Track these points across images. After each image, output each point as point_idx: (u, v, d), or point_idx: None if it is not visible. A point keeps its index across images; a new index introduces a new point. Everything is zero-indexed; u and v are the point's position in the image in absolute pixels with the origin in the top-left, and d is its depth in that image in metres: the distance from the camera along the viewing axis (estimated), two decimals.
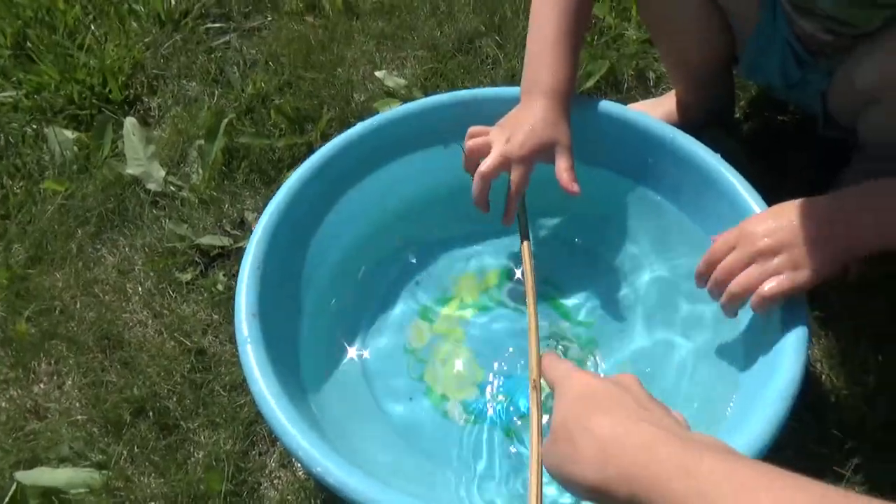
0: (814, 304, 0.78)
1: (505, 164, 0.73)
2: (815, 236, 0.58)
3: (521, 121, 0.75)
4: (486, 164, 0.74)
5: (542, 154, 0.74)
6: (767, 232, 0.60)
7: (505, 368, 0.77)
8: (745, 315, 0.68)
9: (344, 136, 0.83)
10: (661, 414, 0.39)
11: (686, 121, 0.95)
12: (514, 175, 0.73)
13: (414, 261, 0.86)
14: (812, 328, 0.78)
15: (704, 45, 0.86)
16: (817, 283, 0.59)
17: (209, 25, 1.28)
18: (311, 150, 1.04)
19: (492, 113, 0.80)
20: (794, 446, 0.68)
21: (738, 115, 1.01)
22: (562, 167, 0.73)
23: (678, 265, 0.80)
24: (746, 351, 0.68)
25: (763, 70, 0.84)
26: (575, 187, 0.72)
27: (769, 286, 0.59)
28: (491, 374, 0.77)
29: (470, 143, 0.77)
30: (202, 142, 1.06)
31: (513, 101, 0.80)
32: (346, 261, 0.83)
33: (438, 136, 0.86)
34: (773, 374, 0.58)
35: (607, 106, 0.83)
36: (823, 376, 0.75)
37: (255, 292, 0.69)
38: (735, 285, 0.61)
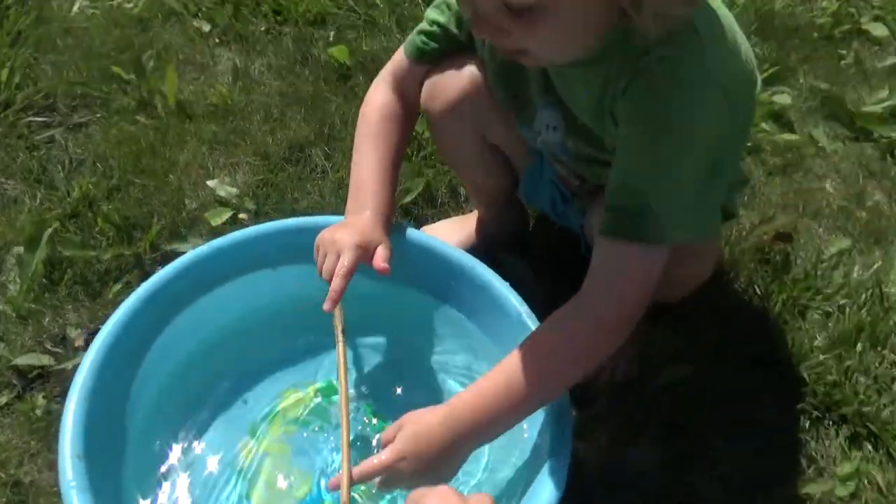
0: (583, 403, 0.93)
1: (337, 253, 0.81)
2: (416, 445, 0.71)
3: (350, 224, 0.85)
4: (327, 263, 0.82)
5: (367, 250, 0.83)
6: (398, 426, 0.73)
7: (327, 482, 0.85)
8: (530, 429, 0.81)
9: (176, 264, 0.88)
10: None
11: (485, 237, 1.10)
12: (343, 259, 0.81)
13: (241, 380, 0.92)
14: (580, 426, 0.93)
15: (489, 175, 1.02)
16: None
17: (32, 119, 1.26)
18: (139, 262, 1.07)
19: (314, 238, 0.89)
20: None
21: (531, 231, 1.17)
22: (379, 255, 0.83)
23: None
24: (528, 462, 0.81)
25: (536, 200, 1.01)
26: (385, 266, 0.81)
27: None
28: (314, 490, 0.84)
29: (318, 258, 0.84)
30: (21, 249, 1.05)
31: None
32: (173, 385, 0.87)
33: (267, 261, 0.94)
34: (538, 490, 0.71)
35: (417, 236, 0.95)
36: (591, 472, 0.91)
37: (81, 431, 0.72)
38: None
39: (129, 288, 1.01)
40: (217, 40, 1.47)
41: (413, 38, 0.90)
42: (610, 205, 0.72)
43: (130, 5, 1.52)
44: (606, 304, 0.73)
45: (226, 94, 1.33)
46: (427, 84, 0.90)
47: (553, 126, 0.83)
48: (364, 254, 0.83)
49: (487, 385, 0.74)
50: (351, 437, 0.77)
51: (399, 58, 0.92)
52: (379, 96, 0.93)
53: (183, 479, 0.83)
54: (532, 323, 0.85)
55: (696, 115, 0.68)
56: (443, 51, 0.88)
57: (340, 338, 0.86)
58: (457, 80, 0.89)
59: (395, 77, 0.92)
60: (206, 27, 1.48)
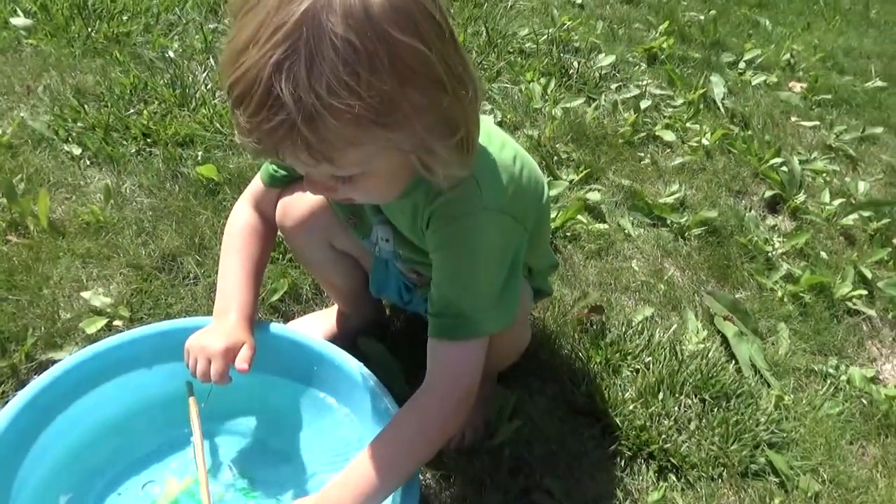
0: (434, 465, 1.07)
1: (207, 359, 0.93)
2: None
3: (216, 328, 0.97)
4: (199, 368, 0.93)
5: (234, 350, 0.94)
6: None
7: None
8: None
9: (52, 371, 0.95)
10: None
11: (345, 329, 1.24)
12: (215, 366, 0.93)
13: (118, 473, 0.99)
14: (433, 486, 1.06)
15: (342, 276, 1.17)
16: None
17: None
18: (14, 372, 1.12)
19: (185, 338, 0.99)
20: None
21: (388, 318, 1.33)
22: (241, 356, 0.95)
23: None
24: None
25: (385, 293, 1.17)
26: (245, 367, 0.93)
27: None
28: None
29: (189, 363, 0.95)
30: None
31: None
32: (53, 479, 0.92)
33: (140, 361, 1.03)
34: None
35: (281, 329, 1.07)
36: None
37: None
38: None
39: (4, 397, 1.06)
40: (88, 162, 1.57)
41: (266, 166, 1.05)
42: (433, 312, 0.89)
43: None
44: (444, 394, 0.88)
45: (98, 212, 1.42)
46: (280, 204, 1.05)
47: (385, 238, 1.00)
48: (232, 355, 0.94)
49: (355, 470, 0.85)
50: None
51: (257, 181, 1.07)
52: (242, 214, 1.07)
53: None
54: (384, 395, 0.99)
55: (481, 238, 0.85)
56: (291, 177, 1.03)
57: (197, 427, 0.96)
58: (304, 201, 1.04)
59: (254, 198, 1.07)
60: (77, 150, 1.58)
